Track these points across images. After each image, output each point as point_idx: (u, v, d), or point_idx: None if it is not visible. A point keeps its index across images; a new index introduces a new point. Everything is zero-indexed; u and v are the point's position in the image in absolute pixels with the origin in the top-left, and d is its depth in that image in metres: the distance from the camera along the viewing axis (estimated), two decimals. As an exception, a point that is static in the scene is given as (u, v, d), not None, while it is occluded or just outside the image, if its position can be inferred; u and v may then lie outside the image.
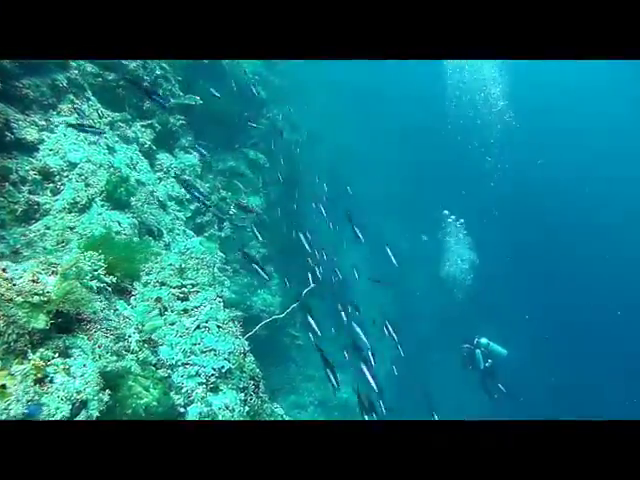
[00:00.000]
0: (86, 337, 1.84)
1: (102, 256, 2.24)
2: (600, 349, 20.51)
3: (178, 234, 6.93)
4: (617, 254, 23.63)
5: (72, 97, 6.02)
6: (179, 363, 2.60)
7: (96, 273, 2.20)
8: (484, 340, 10.52)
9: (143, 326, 2.41)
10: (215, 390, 2.62)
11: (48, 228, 4.44)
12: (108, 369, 1.75)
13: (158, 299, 3.04)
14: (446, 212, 16.85)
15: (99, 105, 6.58)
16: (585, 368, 19.50)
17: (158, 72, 7.70)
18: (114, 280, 2.33)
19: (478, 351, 10.36)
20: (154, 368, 2.23)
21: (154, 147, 7.34)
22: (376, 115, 23.17)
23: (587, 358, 20.06)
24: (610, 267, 23.21)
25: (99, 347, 1.82)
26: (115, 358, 1.88)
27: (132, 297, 2.75)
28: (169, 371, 2.49)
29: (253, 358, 3.15)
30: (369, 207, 20.23)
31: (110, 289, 2.32)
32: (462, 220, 16.58)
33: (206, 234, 7.91)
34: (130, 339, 2.22)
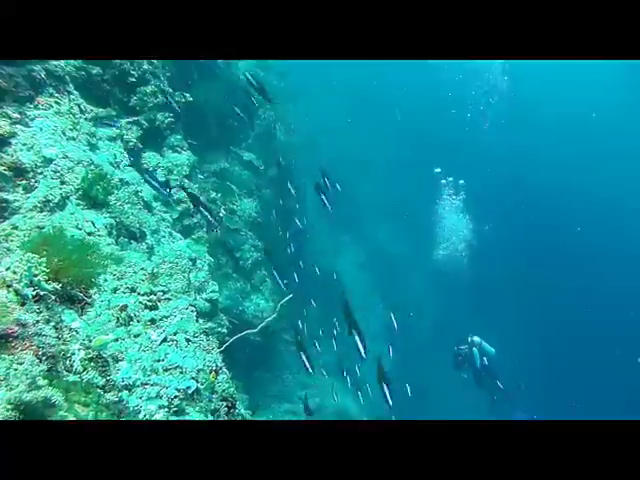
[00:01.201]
0: (8, 358, 1.51)
1: (44, 259, 1.92)
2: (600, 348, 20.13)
3: (164, 236, 6.59)
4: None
5: (51, 90, 5.72)
6: (137, 383, 2.27)
7: (36, 279, 1.87)
8: (477, 338, 10.28)
9: (91, 341, 2.07)
10: (179, 414, 2.28)
11: (15, 228, 4.09)
12: (29, 398, 1.41)
13: (123, 307, 2.70)
14: (438, 170, 14.81)
15: (82, 100, 6.25)
16: (584, 368, 19.21)
17: (146, 67, 7.37)
18: (58, 287, 2.00)
19: (475, 350, 10.12)
20: (101, 391, 1.90)
21: (140, 145, 7.01)
22: (373, 116, 22.93)
23: (586, 358, 19.74)
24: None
25: (21, 370, 1.49)
26: (45, 382, 1.55)
27: (85, 306, 2.41)
28: (124, 393, 2.15)
29: (228, 375, 2.81)
30: (367, 209, 19.96)
31: (54, 297, 1.99)
32: (462, 181, 14.67)
33: (194, 236, 7.57)
34: (73, 357, 1.89)
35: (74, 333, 2.02)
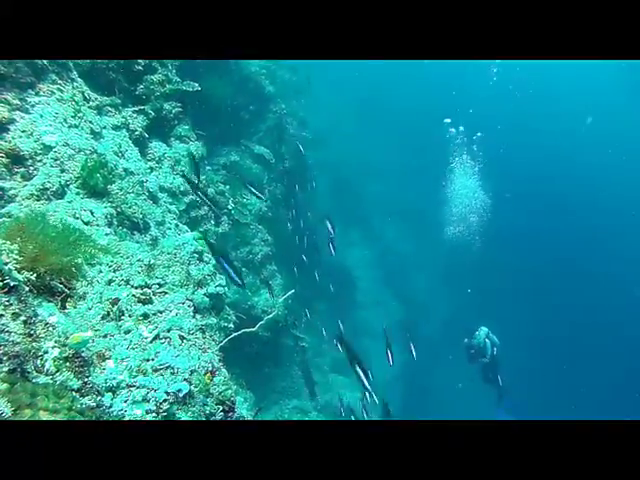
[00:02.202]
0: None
1: (16, 246, 1.71)
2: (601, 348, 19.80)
3: (169, 228, 6.40)
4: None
5: (54, 76, 5.54)
6: (122, 385, 2.05)
7: (7, 268, 1.66)
8: (485, 329, 10.04)
9: (68, 338, 1.85)
10: (169, 419, 2.06)
11: (10, 216, 3.92)
12: (-23, 407, 1.20)
13: (114, 301, 2.49)
14: (448, 120, 13.60)
15: (86, 88, 6.06)
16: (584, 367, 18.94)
17: (153, 55, 7.15)
18: (33, 277, 1.79)
19: (487, 341, 9.91)
20: (77, 395, 1.68)
21: (146, 134, 6.81)
22: (384, 115, 22.73)
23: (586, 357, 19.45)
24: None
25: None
26: (5, 387, 1.34)
27: (66, 299, 2.20)
28: (107, 395, 1.94)
29: (226, 376, 2.57)
30: (376, 208, 19.77)
31: (28, 288, 1.78)
32: (479, 134, 13.39)
33: (201, 229, 7.36)
34: (45, 356, 1.67)
35: (50, 329, 1.81)
